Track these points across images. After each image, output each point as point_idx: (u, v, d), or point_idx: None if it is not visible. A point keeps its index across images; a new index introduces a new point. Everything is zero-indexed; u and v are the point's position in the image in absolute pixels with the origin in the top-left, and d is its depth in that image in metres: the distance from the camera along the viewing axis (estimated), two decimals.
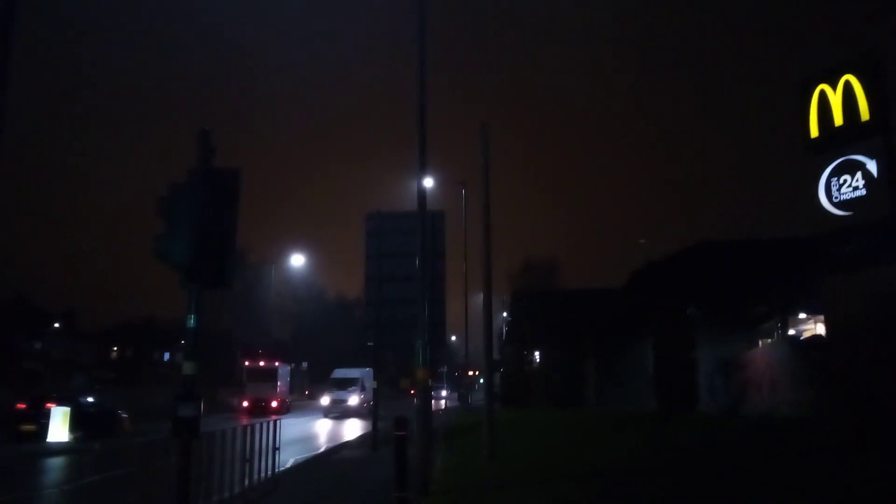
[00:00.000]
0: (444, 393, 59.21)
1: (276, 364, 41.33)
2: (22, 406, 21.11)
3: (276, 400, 39.35)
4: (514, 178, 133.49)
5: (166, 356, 69.91)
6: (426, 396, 12.31)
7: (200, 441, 8.78)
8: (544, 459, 13.60)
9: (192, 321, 7.66)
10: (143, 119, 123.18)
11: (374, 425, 18.82)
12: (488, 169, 16.67)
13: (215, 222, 7.81)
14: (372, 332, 20.34)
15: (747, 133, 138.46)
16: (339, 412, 36.21)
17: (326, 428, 29.06)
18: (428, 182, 27.69)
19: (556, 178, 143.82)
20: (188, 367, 7.60)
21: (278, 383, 40.66)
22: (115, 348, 69.01)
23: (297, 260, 45.40)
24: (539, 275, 64.99)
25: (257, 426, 11.80)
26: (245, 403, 38.49)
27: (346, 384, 38.28)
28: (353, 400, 37.09)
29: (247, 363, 41.79)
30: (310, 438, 23.91)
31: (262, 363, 41.31)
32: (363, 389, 37.31)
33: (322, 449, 19.42)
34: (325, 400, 38.63)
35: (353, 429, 26.70)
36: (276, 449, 12.18)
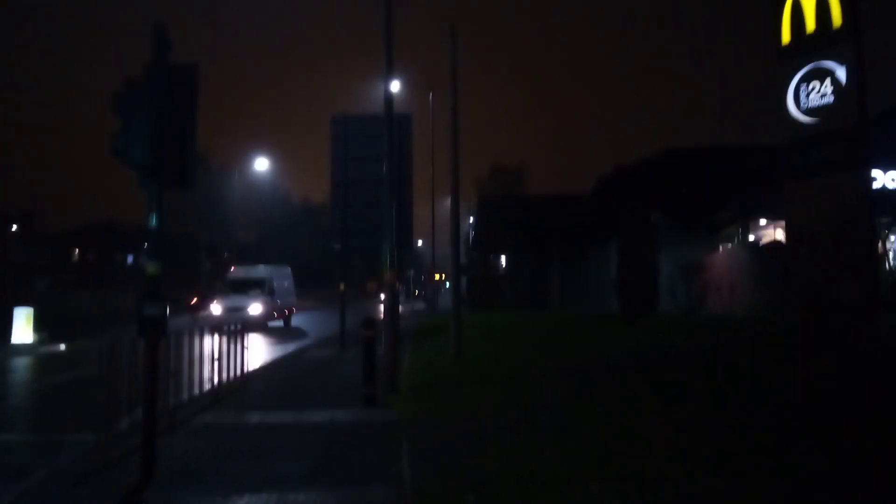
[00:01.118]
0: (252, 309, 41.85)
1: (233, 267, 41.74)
2: None
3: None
4: (482, 83, 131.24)
5: (129, 259, 69.35)
6: (393, 298, 12.45)
7: (168, 341, 8.82)
8: (509, 359, 13.95)
9: (153, 221, 7.48)
10: (100, 14, 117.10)
11: (342, 325, 19.08)
12: (456, 72, 16.31)
13: (174, 120, 7.54)
14: (339, 236, 20.32)
15: (719, 40, 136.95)
16: (236, 323, 24.36)
17: (300, 329, 29.38)
18: (395, 85, 27.15)
19: (525, 84, 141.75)
20: (152, 267, 7.48)
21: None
22: (77, 251, 68.07)
23: (262, 164, 44.48)
24: (506, 180, 65.02)
25: (225, 328, 11.87)
26: (193, 301, 41.19)
27: (245, 287, 28.59)
28: (255, 308, 27.31)
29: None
30: (284, 338, 24.23)
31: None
32: (271, 294, 28.82)
33: (291, 349, 19.68)
34: (215, 308, 27.94)
35: (325, 328, 26.99)
36: (244, 349, 12.29)
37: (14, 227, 62.12)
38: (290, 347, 20.36)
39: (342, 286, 20.50)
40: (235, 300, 27.61)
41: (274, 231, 69.50)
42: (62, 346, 19.65)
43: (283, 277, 31.75)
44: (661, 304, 20.32)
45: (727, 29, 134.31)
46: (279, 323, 30.32)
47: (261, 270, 30.69)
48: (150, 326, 7.18)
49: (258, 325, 26.45)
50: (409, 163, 20.09)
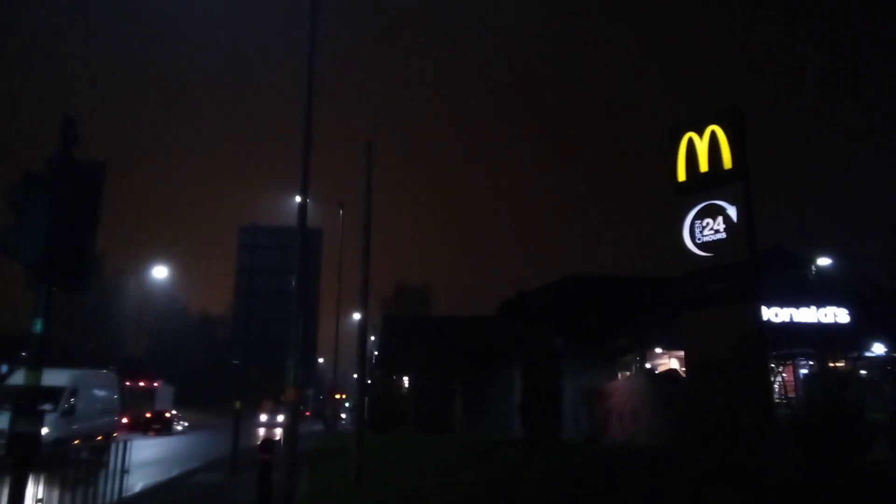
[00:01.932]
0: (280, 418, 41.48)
1: (156, 384, 43.69)
2: None
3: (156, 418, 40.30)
4: (389, 204, 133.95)
5: (3, 369, 63.96)
6: (294, 417, 11.80)
7: (41, 460, 7.97)
8: (411, 484, 13.36)
9: (38, 326, 6.92)
10: (6, 106, 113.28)
11: (234, 446, 17.88)
12: (370, 188, 16.47)
13: (73, 218, 7.14)
14: (238, 350, 19.42)
15: (621, 173, 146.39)
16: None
17: (188, 450, 27.37)
18: (308, 201, 27.15)
19: (432, 207, 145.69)
20: (30, 378, 6.82)
21: (157, 402, 42.46)
22: None
23: (160, 272, 42.94)
24: (412, 301, 65.21)
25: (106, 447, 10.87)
26: (124, 420, 38.29)
27: (32, 399, 12.48)
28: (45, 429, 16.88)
29: (127, 382, 41.31)
30: (166, 461, 22.39)
31: (142, 383, 43.25)
32: (70, 412, 20.22)
33: (175, 473, 18.17)
34: None
35: (215, 450, 25.24)
36: (124, 472, 11.26)
37: None
38: (174, 471, 18.80)
39: (238, 403, 19.41)
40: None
41: (168, 343, 66.20)
42: None
43: (95, 387, 22.80)
44: (564, 428, 20.27)
45: (631, 162, 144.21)
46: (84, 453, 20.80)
47: (56, 376, 19.73)
48: (22, 444, 6.47)
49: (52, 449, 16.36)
50: (317, 277, 19.79)
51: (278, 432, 37.44)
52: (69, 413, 20.08)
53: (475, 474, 14.52)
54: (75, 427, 20.34)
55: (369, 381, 43.07)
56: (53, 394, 19.57)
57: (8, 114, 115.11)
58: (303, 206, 12.91)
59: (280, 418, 37.55)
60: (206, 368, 63.79)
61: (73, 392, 20.48)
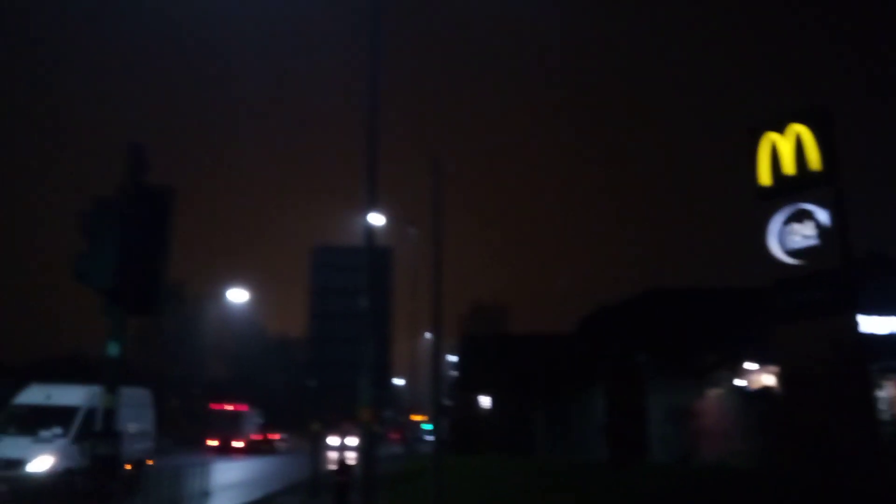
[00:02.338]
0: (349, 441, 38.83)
1: (244, 408, 44.82)
2: None
3: (243, 441, 42.28)
4: (466, 222, 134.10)
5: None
6: (370, 440, 11.61)
7: (121, 482, 8.00)
8: None
9: (114, 349, 6.97)
10: (76, 135, 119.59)
11: (314, 469, 17.86)
12: (438, 204, 16.27)
13: (144, 243, 7.17)
14: (314, 371, 19.52)
15: (703, 180, 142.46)
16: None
17: (270, 472, 27.67)
18: (378, 219, 27.19)
19: (509, 224, 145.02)
20: (108, 401, 6.86)
21: (244, 426, 43.43)
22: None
23: (238, 295, 43.84)
24: (489, 319, 64.60)
25: (187, 469, 10.96)
26: (213, 443, 41.55)
27: (38, 421, 16.31)
28: (42, 462, 14.98)
29: (212, 406, 44.65)
30: (248, 483, 22.63)
31: (229, 407, 44.33)
32: (82, 435, 15.51)
33: (257, 496, 18.27)
34: None
35: (297, 473, 25.41)
36: (204, 494, 11.31)
37: None
38: (256, 494, 18.92)
39: (316, 426, 19.44)
40: (13, 447, 15.38)
41: (248, 366, 67.61)
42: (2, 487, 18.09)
43: (122, 406, 14.16)
44: (651, 450, 19.40)
45: (712, 169, 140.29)
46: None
47: (69, 394, 17.31)
48: (102, 466, 6.51)
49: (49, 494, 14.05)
50: (390, 297, 19.75)
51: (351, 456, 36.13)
52: (83, 437, 15.74)
53: (558, 500, 13.99)
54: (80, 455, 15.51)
55: (448, 403, 42.80)
56: (64, 415, 16.59)
57: (78, 142, 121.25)
58: (368, 224, 12.79)
59: (350, 441, 37.72)
60: (286, 391, 64.81)
61: (91, 413, 16.44)
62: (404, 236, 31.02)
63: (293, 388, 59.08)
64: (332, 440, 38.58)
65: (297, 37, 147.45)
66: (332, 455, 24.87)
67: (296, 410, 60.97)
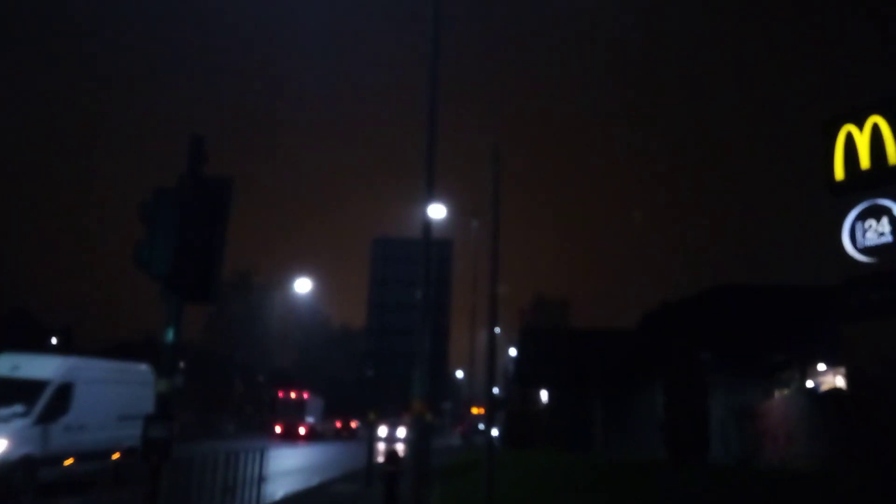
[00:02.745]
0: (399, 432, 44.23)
1: (306, 395, 45.97)
2: None
3: (305, 427, 43.93)
4: (529, 214, 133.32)
5: None
6: (421, 431, 11.67)
7: (176, 465, 8.26)
8: None
9: (170, 335, 7.18)
10: (153, 126, 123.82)
11: (369, 458, 18.10)
12: (497, 193, 16.12)
13: (201, 232, 7.37)
14: (372, 361, 19.69)
15: (770, 176, 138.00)
16: None
17: (330, 459, 28.22)
18: (438, 211, 27.30)
19: (572, 217, 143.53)
20: (162, 385, 7.10)
21: (307, 413, 45.16)
22: None
23: (303, 285, 44.73)
24: (550, 312, 64.26)
25: (242, 454, 11.23)
26: (278, 429, 43.09)
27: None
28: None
29: (280, 394, 46.16)
30: (308, 469, 23.14)
31: (293, 394, 45.91)
32: (52, 414, 13.68)
33: (314, 482, 18.64)
34: None
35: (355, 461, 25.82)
36: (260, 479, 11.56)
37: (54, 341, 62.97)
38: (313, 480, 19.30)
39: (372, 415, 19.68)
40: None
41: (312, 355, 69.04)
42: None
43: (111, 383, 16.22)
44: (711, 450, 18.92)
45: (779, 163, 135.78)
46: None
47: (39, 365, 14.81)
48: (155, 449, 6.73)
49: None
50: (448, 289, 19.88)
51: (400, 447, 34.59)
52: (51, 418, 13.52)
53: (613, 498, 13.79)
54: (70, 440, 14.06)
55: (506, 395, 42.74)
56: (30, 390, 13.63)
57: (142, 134, 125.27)
58: (426, 216, 12.82)
59: (400, 432, 38.76)
60: (348, 380, 65.90)
61: (65, 389, 14.13)
62: (467, 229, 31.08)
63: (354, 378, 60.07)
64: (382, 430, 39.82)
65: (360, 27, 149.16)
66: (381, 445, 25.42)
67: (357, 399, 62.00)
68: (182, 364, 53.25)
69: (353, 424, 49.97)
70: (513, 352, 53.38)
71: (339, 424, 48.61)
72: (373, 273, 19.63)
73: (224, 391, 54.63)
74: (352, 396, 60.57)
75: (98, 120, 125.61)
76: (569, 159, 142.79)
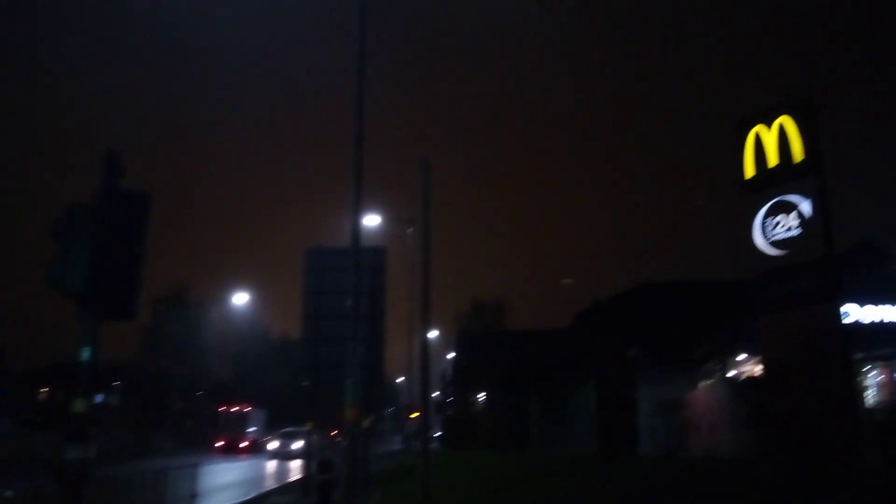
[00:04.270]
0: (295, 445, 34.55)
1: (248, 408, 46.11)
2: None
3: (248, 441, 43.72)
4: (462, 220, 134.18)
5: (100, 398, 67.09)
6: (355, 438, 11.75)
7: (102, 485, 8.13)
8: (480, 503, 13.08)
9: (86, 354, 7.06)
10: (59, 142, 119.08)
11: (307, 469, 18.02)
12: (428, 202, 16.38)
13: (118, 248, 7.28)
14: (308, 372, 19.62)
15: (690, 172, 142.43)
16: None
17: (271, 472, 27.89)
18: (372, 220, 27.27)
19: (504, 222, 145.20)
20: (79, 405, 6.97)
21: (249, 426, 45.09)
22: (45, 390, 65.77)
23: (241, 298, 44.10)
24: (487, 315, 64.85)
25: (173, 472, 11.10)
26: (219, 444, 42.61)
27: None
28: None
29: (220, 408, 46.21)
30: (247, 483, 22.82)
31: (234, 407, 45.73)
32: None
33: (251, 495, 18.44)
34: None
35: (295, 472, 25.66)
36: (193, 496, 11.45)
37: None
38: (251, 493, 19.08)
39: (310, 425, 19.62)
40: None
41: (251, 367, 67.93)
42: (9, 493, 18.24)
43: None
44: (640, 442, 19.53)
45: (700, 160, 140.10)
46: None
47: None
48: (71, 471, 6.61)
49: None
50: (383, 296, 19.77)
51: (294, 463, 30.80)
52: None
53: (547, 493, 14.12)
54: None
55: (444, 398, 43.03)
56: None
57: (55, 149, 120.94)
58: (356, 224, 12.94)
59: (295, 445, 33.38)
60: (288, 391, 65.12)
61: None
62: (403, 237, 31.17)
63: (292, 389, 59.40)
64: (272, 444, 37.99)
65: (290, 36, 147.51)
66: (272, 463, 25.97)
67: (301, 410, 61.17)
68: (117, 383, 51.74)
69: (247, 441, 44.78)
70: (451, 355, 53.74)
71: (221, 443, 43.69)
72: (306, 283, 19.43)
73: (161, 408, 53.32)
74: (292, 407, 59.94)
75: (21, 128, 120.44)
76: (500, 166, 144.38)
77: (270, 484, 21.86)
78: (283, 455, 35.46)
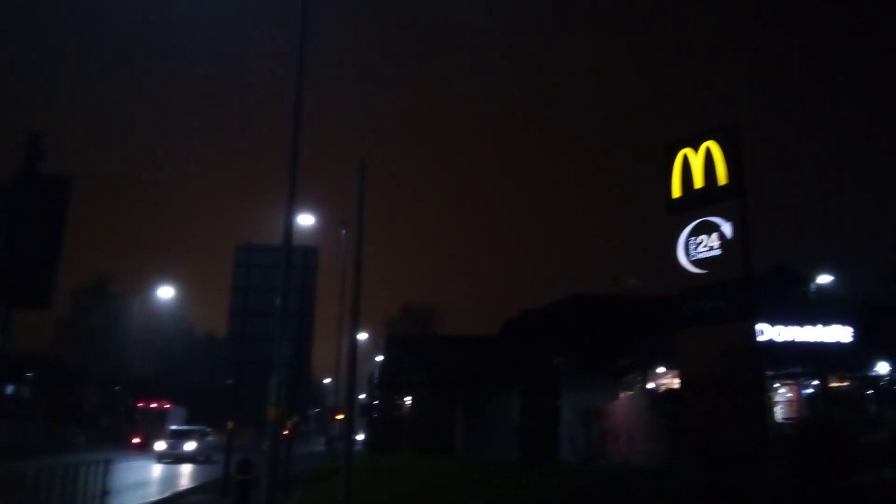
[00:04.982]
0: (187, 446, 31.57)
1: (167, 405, 45.17)
2: None
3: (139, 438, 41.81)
4: (396, 223, 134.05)
5: (10, 389, 64.12)
6: (276, 438, 11.59)
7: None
8: None
9: None
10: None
11: (226, 467, 17.65)
12: (363, 204, 16.29)
13: (34, 233, 7.03)
14: (232, 369, 19.24)
15: (624, 191, 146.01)
16: None
17: (188, 471, 27.14)
18: (307, 219, 26.94)
19: (439, 227, 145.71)
20: None
21: (168, 423, 42.46)
22: None
23: (165, 292, 42.86)
24: (418, 320, 64.90)
25: (84, 467, 10.71)
26: (136, 441, 41.37)
27: None
28: None
29: (139, 404, 45.25)
30: (164, 480, 22.19)
31: (153, 404, 44.88)
32: None
33: (167, 494, 17.95)
34: None
35: (209, 472, 25.00)
36: (104, 493, 11.08)
37: None
38: (166, 492, 18.58)
39: (231, 424, 19.23)
40: None
41: (175, 364, 66.08)
42: None
43: None
44: (561, 450, 19.92)
45: (634, 179, 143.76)
46: None
47: None
48: None
49: None
50: (313, 296, 19.59)
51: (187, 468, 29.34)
52: None
53: (467, 498, 14.24)
54: None
55: (375, 402, 42.83)
56: None
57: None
58: (288, 222, 12.78)
59: (188, 447, 30.35)
60: (213, 389, 63.62)
61: None
62: (338, 238, 30.93)
63: (216, 387, 58.15)
64: (159, 445, 32.30)
65: (234, 24, 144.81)
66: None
67: (225, 409, 59.83)
68: (30, 374, 49.52)
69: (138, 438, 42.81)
70: (380, 358, 53.54)
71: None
72: (235, 280, 19.00)
73: (76, 402, 51.33)
74: (215, 406, 58.60)
75: None
76: (437, 175, 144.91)
77: (186, 483, 21.32)
78: (173, 457, 30.90)
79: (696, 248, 15.69)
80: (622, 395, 24.62)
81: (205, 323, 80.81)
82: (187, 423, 47.66)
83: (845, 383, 19.67)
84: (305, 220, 25.04)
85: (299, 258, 18.95)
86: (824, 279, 25.88)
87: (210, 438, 33.13)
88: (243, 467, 9.73)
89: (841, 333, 21.45)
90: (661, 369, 24.29)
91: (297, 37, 12.06)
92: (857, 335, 20.72)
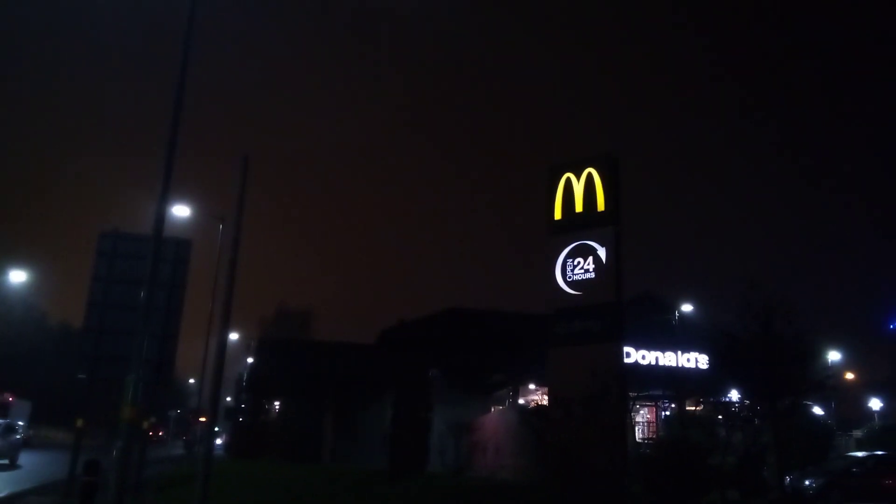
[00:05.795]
0: None
1: (10, 398, 40.85)
2: None
3: None
4: (275, 225, 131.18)
5: None
6: (129, 439, 10.89)
7: None
8: None
9: None
10: None
11: (72, 468, 16.42)
12: (243, 201, 15.72)
13: None
14: (86, 364, 17.94)
15: (512, 208, 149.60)
16: None
17: (31, 470, 25.04)
18: (182, 210, 25.69)
19: (319, 232, 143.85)
20: None
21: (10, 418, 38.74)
22: None
23: (17, 276, 39.63)
24: (293, 323, 63.29)
25: None
26: None
27: None
28: None
29: None
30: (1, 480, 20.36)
31: None
32: None
33: (3, 494, 16.49)
34: None
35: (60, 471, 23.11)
36: None
37: None
38: (3, 491, 17.05)
39: (80, 422, 17.89)
40: None
41: (23, 355, 61.11)
42: None
43: None
44: (430, 461, 19.95)
45: (521, 198, 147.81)
46: None
47: None
48: None
49: None
50: (181, 291, 18.61)
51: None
52: None
53: None
54: None
55: (242, 406, 41.37)
56: None
57: None
58: (160, 210, 12.11)
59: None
60: (66, 384, 59.35)
61: None
62: (215, 233, 29.66)
63: (68, 382, 54.32)
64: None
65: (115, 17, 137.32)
66: None
67: (70, 405, 55.86)
68: None
69: None
70: (250, 360, 51.81)
71: None
72: (97, 268, 17.55)
73: None
74: (65, 402, 54.67)
75: None
76: (320, 177, 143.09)
77: (27, 483, 19.68)
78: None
79: (573, 269, 16.19)
80: (493, 409, 25.02)
81: (61, 313, 75.43)
82: (31, 418, 44.11)
83: (700, 407, 20.88)
84: (181, 210, 23.89)
85: (170, 250, 17.95)
86: (686, 308, 27.49)
87: (17, 437, 28.42)
88: (90, 468, 9.05)
89: (700, 360, 22.81)
90: (532, 385, 24.90)
91: (185, 24, 11.54)
92: (712, 363, 22.09)
